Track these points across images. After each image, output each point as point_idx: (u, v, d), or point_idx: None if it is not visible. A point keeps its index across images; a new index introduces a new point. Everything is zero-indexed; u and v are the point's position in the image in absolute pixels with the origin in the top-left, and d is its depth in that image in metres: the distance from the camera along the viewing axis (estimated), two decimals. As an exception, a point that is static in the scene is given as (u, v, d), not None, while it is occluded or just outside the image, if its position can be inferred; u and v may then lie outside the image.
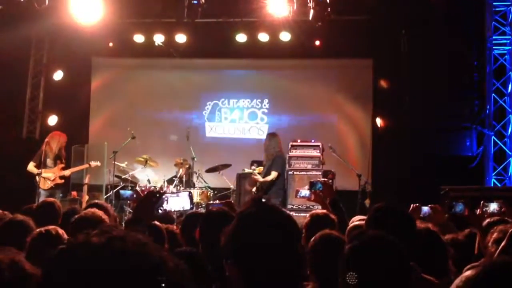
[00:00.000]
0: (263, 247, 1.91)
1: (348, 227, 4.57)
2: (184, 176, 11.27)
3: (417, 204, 4.98)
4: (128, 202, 10.82)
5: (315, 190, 5.13)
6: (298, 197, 5.71)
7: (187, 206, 10.21)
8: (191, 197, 10.37)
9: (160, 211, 9.48)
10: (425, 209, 5.04)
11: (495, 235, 3.73)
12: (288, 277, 1.95)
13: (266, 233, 1.93)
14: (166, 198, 10.31)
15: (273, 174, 10.36)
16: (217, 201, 9.96)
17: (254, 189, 10.65)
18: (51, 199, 6.39)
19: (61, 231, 3.92)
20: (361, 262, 2.23)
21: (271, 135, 10.99)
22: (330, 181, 6.04)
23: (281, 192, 10.51)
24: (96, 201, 6.52)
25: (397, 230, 3.18)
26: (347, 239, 3.96)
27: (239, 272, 1.92)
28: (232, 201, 5.54)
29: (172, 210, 9.96)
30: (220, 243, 3.41)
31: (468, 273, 1.27)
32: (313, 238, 3.44)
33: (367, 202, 10.37)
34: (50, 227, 3.97)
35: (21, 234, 4.00)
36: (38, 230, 3.94)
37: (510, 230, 3.30)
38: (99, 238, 1.09)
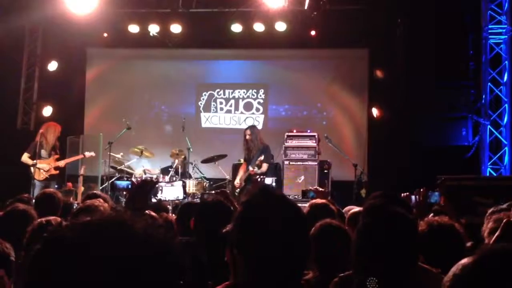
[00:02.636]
0: (269, 235, 1.87)
1: (348, 215, 4.60)
2: (179, 167, 11.26)
3: (407, 193, 4.99)
4: (124, 193, 10.82)
5: (308, 198, 5.18)
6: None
7: (180, 196, 10.24)
8: (184, 187, 10.41)
9: (155, 200, 9.52)
10: (413, 198, 5.04)
11: (490, 224, 3.69)
12: (292, 266, 1.92)
13: (271, 222, 1.89)
14: (160, 188, 10.36)
15: (265, 167, 10.36)
16: (213, 192, 9.98)
17: (237, 180, 10.57)
18: (51, 190, 6.36)
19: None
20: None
21: (254, 127, 11.00)
22: (322, 189, 6.04)
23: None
24: (95, 191, 6.47)
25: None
26: (347, 225, 3.97)
27: (244, 260, 1.89)
28: (228, 191, 5.52)
29: (166, 200, 9.97)
30: (215, 232, 3.39)
31: (464, 260, 1.25)
32: (314, 227, 3.43)
33: (363, 192, 10.37)
34: (51, 217, 3.96)
35: (23, 223, 4.00)
36: (38, 220, 3.92)
37: (504, 220, 3.27)
38: (104, 219, 1.08)
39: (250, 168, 10.29)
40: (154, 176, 11.15)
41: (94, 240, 1.01)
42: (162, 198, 9.98)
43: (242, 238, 1.90)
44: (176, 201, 10.06)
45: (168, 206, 8.96)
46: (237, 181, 10.64)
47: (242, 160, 11.03)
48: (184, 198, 10.16)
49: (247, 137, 10.63)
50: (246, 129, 10.93)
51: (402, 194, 4.89)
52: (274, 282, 1.87)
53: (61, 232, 1.06)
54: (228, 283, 2.07)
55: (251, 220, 1.91)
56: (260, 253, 1.86)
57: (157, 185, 10.11)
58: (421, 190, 4.63)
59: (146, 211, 4.17)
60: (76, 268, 0.98)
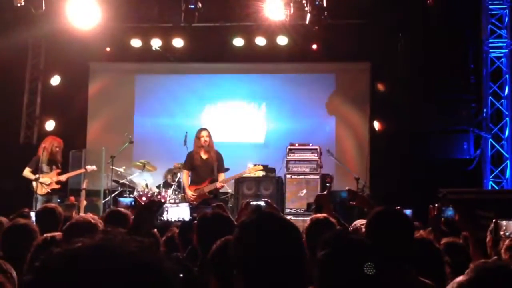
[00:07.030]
0: (266, 256, 1.89)
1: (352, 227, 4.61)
2: (168, 179, 11.12)
3: (399, 208, 5.00)
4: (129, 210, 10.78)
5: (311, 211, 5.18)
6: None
7: (186, 217, 10.16)
8: (191, 209, 10.33)
9: (159, 220, 9.49)
10: (408, 211, 5.05)
11: (507, 242, 3.70)
12: (291, 284, 1.94)
13: (268, 242, 1.91)
14: (166, 208, 10.30)
15: (222, 177, 10.07)
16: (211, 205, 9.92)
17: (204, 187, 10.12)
18: (52, 204, 6.36)
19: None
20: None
21: (208, 131, 10.13)
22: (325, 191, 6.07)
23: None
24: (117, 208, 6.30)
25: (398, 234, 3.19)
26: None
27: (243, 281, 1.91)
28: (224, 205, 5.51)
29: (172, 220, 9.92)
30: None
31: (460, 278, 1.27)
32: (318, 242, 3.43)
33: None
34: (56, 233, 3.97)
35: (25, 238, 4.04)
36: (43, 236, 3.95)
37: None
38: (94, 240, 1.10)
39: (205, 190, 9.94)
40: (156, 191, 11.13)
41: (82, 271, 1.03)
42: (167, 219, 9.93)
43: (240, 260, 1.92)
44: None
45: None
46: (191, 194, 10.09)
47: (182, 168, 10.22)
48: (191, 219, 10.05)
49: (206, 139, 9.95)
50: (203, 130, 10.10)
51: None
52: None
53: (51, 262, 1.08)
54: None
55: (247, 242, 1.93)
56: (258, 274, 1.87)
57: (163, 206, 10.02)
58: (436, 205, 4.66)
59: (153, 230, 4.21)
60: None
